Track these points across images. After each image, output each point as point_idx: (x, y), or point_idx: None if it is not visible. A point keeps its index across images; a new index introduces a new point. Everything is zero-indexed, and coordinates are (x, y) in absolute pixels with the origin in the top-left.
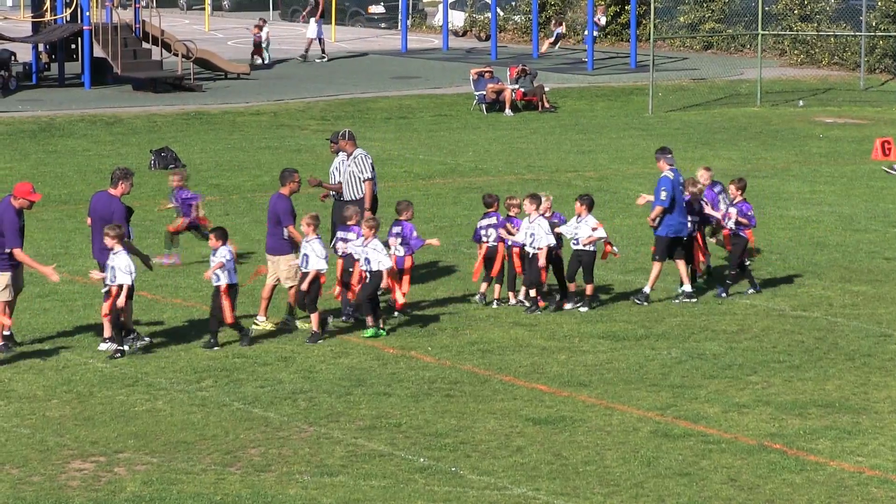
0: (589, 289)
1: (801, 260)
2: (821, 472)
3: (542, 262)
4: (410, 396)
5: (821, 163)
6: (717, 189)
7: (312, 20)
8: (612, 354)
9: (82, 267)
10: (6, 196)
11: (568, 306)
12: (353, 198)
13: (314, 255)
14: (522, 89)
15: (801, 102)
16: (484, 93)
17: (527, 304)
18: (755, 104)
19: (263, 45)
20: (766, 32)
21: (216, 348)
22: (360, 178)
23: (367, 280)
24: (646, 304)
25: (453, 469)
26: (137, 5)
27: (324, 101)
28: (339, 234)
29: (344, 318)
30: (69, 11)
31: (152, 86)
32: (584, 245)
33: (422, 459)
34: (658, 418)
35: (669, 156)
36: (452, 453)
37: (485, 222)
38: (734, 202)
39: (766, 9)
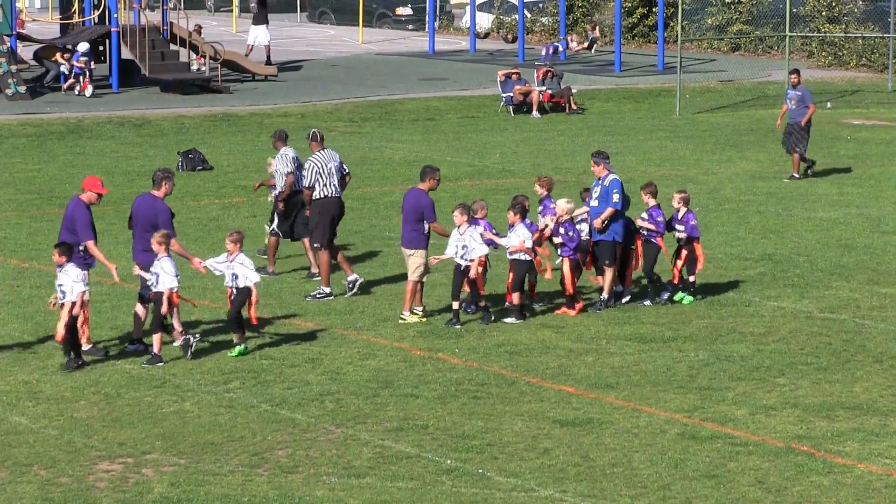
0: (516, 298)
1: (828, 262)
2: (848, 474)
3: (473, 273)
4: (437, 398)
5: (849, 164)
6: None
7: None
8: (639, 356)
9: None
10: (74, 196)
11: (509, 319)
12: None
13: (164, 273)
14: (550, 91)
15: (828, 104)
16: (511, 94)
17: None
18: (783, 106)
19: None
20: (794, 34)
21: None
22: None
23: (234, 296)
24: (603, 309)
25: (480, 471)
26: (165, 7)
27: (351, 102)
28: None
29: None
30: (97, 13)
31: (180, 87)
32: (518, 253)
33: (449, 461)
34: (685, 420)
35: (609, 161)
36: (479, 455)
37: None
38: (680, 216)
39: (794, 10)
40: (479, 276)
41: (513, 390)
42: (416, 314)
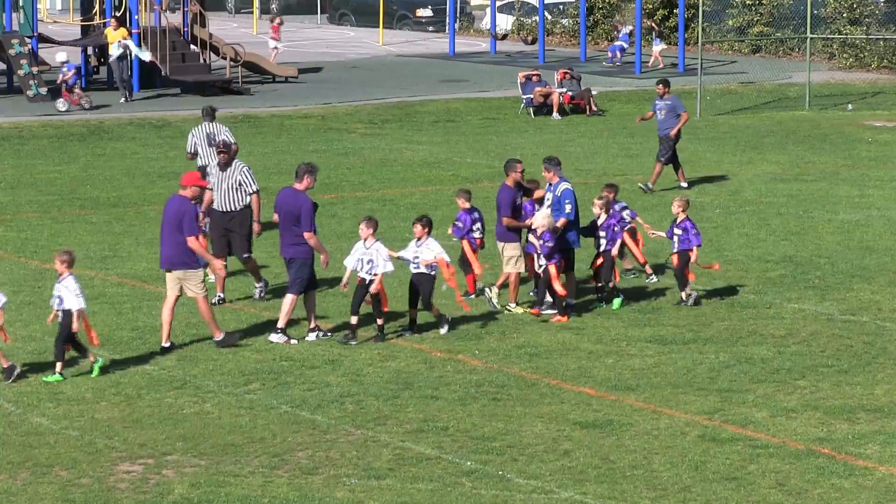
0: (435, 310)
1: (849, 264)
2: (869, 476)
3: (374, 289)
4: (458, 400)
5: (870, 167)
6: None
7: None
8: (659, 358)
9: (131, 270)
10: (174, 195)
11: (407, 334)
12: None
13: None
14: (570, 93)
15: (850, 106)
16: (531, 96)
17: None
18: (804, 108)
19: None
20: (815, 36)
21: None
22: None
23: (61, 320)
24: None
25: (500, 473)
26: (185, 9)
27: (372, 104)
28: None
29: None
30: (118, 15)
31: (201, 89)
32: (423, 268)
33: (469, 463)
34: (706, 422)
35: (560, 168)
36: (500, 457)
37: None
38: (677, 222)
39: (815, 12)
40: (381, 291)
41: (533, 392)
42: (522, 306)
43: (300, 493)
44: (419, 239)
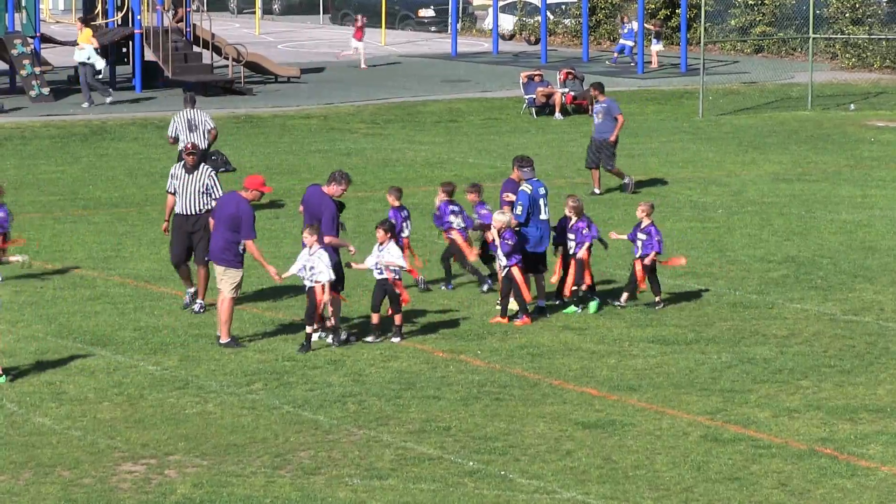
0: (398, 318)
1: (852, 264)
2: (872, 477)
3: (318, 296)
4: (460, 400)
5: (872, 167)
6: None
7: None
8: (661, 359)
9: (133, 270)
10: (231, 192)
11: (370, 339)
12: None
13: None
14: (573, 93)
15: (852, 106)
16: (534, 96)
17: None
18: (806, 108)
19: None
20: (818, 36)
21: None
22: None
23: None
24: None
25: (503, 473)
26: (188, 9)
27: (374, 104)
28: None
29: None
30: (120, 15)
31: (203, 89)
32: (386, 273)
33: (471, 463)
34: (708, 423)
35: (527, 168)
36: (502, 457)
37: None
38: (641, 226)
39: (818, 12)
40: (333, 297)
41: (535, 392)
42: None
43: (302, 494)
44: (381, 244)
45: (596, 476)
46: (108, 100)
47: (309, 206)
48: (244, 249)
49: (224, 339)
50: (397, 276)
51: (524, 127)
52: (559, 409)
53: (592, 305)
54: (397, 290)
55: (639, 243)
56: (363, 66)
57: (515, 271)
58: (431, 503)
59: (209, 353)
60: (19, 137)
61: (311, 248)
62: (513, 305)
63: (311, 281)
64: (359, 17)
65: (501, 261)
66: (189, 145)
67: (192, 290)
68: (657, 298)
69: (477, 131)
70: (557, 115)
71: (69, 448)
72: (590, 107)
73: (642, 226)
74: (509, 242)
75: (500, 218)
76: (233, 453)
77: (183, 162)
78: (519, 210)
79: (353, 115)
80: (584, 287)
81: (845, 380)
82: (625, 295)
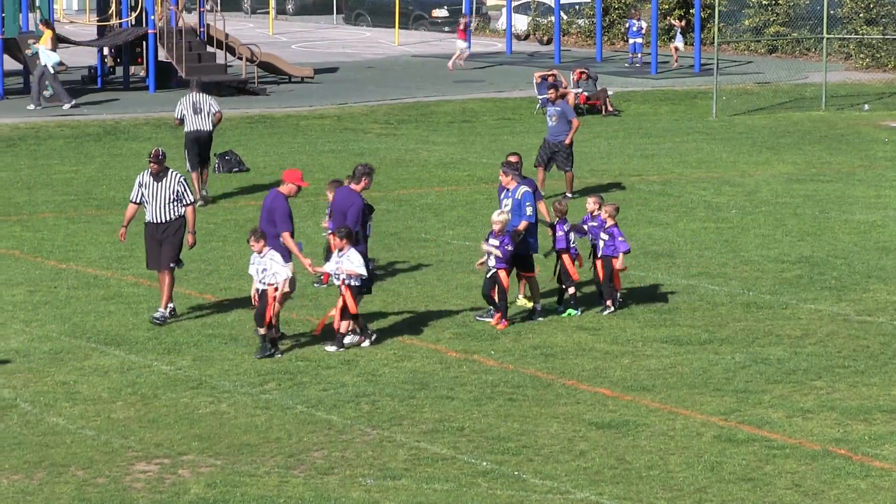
0: (344, 326)
1: (865, 265)
2: (886, 478)
3: (277, 297)
4: (473, 400)
5: (886, 167)
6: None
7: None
8: (675, 359)
9: (146, 270)
10: (272, 189)
11: (348, 340)
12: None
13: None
14: (586, 93)
15: (866, 106)
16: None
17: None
18: (820, 108)
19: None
20: (832, 36)
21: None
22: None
23: None
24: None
25: (516, 473)
26: (202, 9)
27: (387, 104)
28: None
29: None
30: (134, 15)
31: (216, 89)
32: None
33: (484, 463)
34: (722, 423)
35: (517, 172)
36: (515, 457)
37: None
38: (606, 226)
39: (832, 12)
40: (277, 300)
41: (548, 392)
42: (528, 299)
43: (316, 493)
44: (341, 250)
45: (609, 476)
46: (66, 106)
47: (339, 207)
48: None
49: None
50: (355, 281)
51: (537, 127)
52: (572, 410)
53: (570, 312)
54: (348, 299)
55: (600, 243)
56: (450, 66)
57: (502, 274)
58: (445, 503)
59: (223, 353)
60: (33, 137)
61: (261, 253)
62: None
63: (264, 284)
64: (464, 17)
65: (490, 261)
66: (152, 153)
67: (164, 308)
68: (608, 302)
69: (490, 131)
70: None
71: (83, 448)
72: (603, 107)
73: (606, 226)
74: (509, 248)
75: (500, 219)
76: (246, 453)
77: (149, 170)
78: (530, 211)
79: (366, 115)
80: (570, 290)
81: (859, 380)
82: (608, 301)
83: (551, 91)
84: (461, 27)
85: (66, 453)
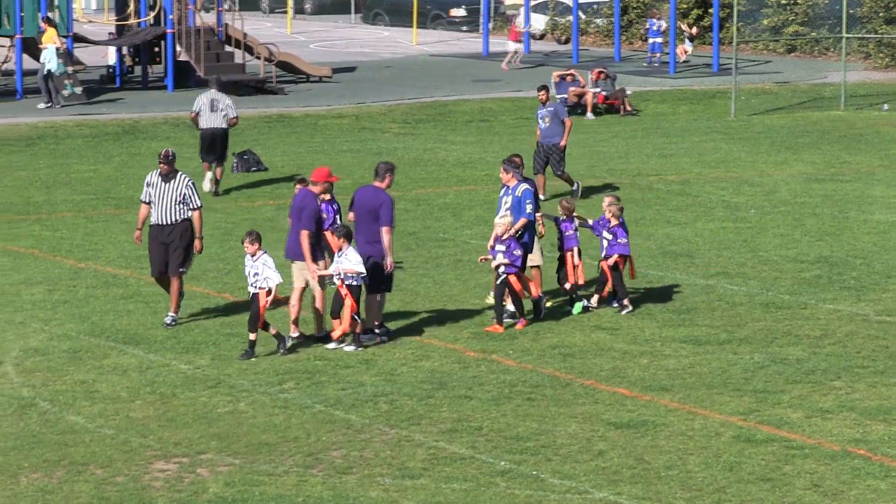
0: (341, 327)
1: (885, 264)
2: None
3: (262, 302)
4: (491, 400)
5: None
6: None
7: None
8: (694, 359)
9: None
10: (302, 189)
11: (331, 345)
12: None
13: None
14: (604, 93)
15: (885, 106)
16: (566, 96)
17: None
18: (839, 108)
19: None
20: (851, 35)
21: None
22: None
23: None
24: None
25: (534, 472)
26: (220, 9)
27: (405, 104)
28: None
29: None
30: (153, 15)
31: (235, 89)
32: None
33: (503, 463)
34: (741, 423)
35: (518, 170)
36: (533, 457)
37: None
38: (610, 225)
39: (851, 12)
40: (267, 304)
41: (567, 392)
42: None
43: (334, 493)
44: (340, 250)
45: (628, 476)
46: (42, 105)
47: (364, 206)
48: (323, 243)
49: (321, 333)
50: (354, 281)
51: None
52: (591, 409)
53: (578, 306)
54: (346, 298)
55: (604, 243)
56: (504, 66)
57: (513, 279)
58: (463, 503)
59: (241, 352)
60: (52, 136)
61: (254, 256)
62: (511, 306)
63: (255, 287)
64: (515, 19)
65: (499, 264)
66: (162, 154)
67: (172, 314)
68: (625, 301)
69: (509, 131)
70: (589, 114)
71: (102, 446)
72: (621, 107)
73: (610, 225)
74: (516, 252)
75: (503, 221)
76: (265, 452)
77: (159, 170)
78: (529, 208)
79: (384, 114)
80: (567, 287)
81: (878, 380)
82: (595, 297)
83: (542, 92)
84: (514, 25)
85: (85, 452)
